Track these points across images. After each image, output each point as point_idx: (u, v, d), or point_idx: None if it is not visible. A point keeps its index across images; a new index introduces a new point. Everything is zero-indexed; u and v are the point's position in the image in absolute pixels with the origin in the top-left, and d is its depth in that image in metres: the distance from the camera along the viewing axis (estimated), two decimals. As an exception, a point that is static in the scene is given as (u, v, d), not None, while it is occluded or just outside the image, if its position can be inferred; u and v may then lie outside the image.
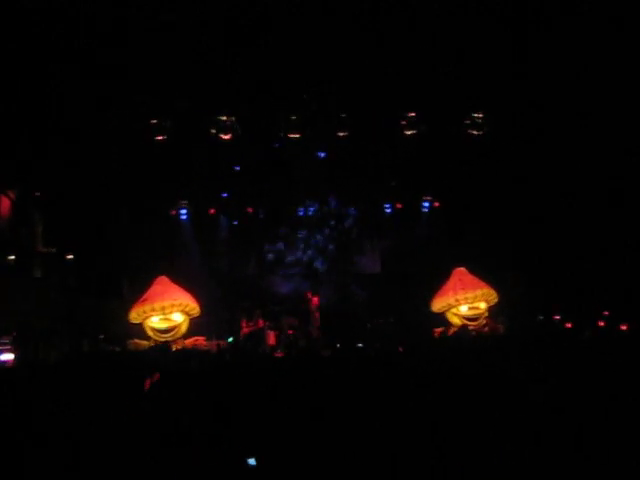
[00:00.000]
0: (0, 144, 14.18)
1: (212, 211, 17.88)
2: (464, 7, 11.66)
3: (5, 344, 12.62)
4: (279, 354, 13.60)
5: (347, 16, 12.03)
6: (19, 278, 15.01)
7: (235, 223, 18.17)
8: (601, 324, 13.33)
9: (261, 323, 15.58)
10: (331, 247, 18.47)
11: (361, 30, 12.40)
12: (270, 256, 18.29)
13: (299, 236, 18.43)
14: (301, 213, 18.50)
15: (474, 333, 14.43)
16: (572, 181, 15.24)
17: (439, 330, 15.20)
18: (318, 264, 18.38)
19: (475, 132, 15.05)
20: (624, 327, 12.09)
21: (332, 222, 18.61)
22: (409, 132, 15.13)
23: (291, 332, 15.83)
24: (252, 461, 4.11)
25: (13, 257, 15.35)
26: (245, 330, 15.42)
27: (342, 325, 15.62)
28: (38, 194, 16.33)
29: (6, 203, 15.68)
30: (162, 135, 14.56)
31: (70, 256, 16.11)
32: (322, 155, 16.92)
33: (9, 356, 12.20)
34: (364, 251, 18.47)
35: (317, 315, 15.88)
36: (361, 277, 18.28)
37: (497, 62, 12.95)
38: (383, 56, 13.02)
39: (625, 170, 14.37)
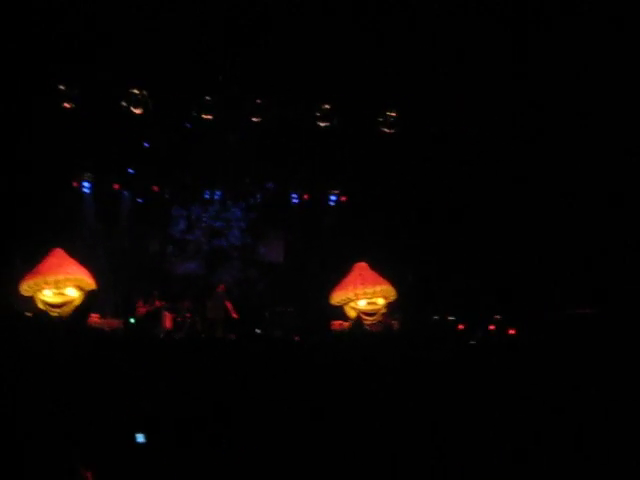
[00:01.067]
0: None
1: (116, 186, 17.42)
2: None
3: None
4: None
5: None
6: None
7: (140, 201, 17.77)
8: (492, 327, 13.83)
9: (158, 304, 15.34)
10: (235, 232, 18.40)
11: (282, 15, 12.40)
12: (173, 236, 18.04)
13: (203, 219, 18.26)
14: (207, 196, 18.36)
15: (367, 327, 14.72)
16: (480, 177, 15.76)
17: (337, 323, 15.41)
18: (220, 246, 18.27)
19: (387, 130, 15.32)
20: (512, 331, 12.60)
21: (238, 208, 18.53)
22: (323, 124, 15.22)
23: (189, 315, 15.67)
24: (140, 438, 4.07)
25: None
26: (141, 310, 15.13)
27: (240, 311, 15.59)
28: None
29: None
30: (70, 102, 14.03)
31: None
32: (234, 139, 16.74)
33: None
34: (268, 239, 18.50)
35: (229, 305, 15.66)
36: (263, 265, 18.31)
37: (408, 53, 13.16)
38: (303, 44, 13.04)
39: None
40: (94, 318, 14.22)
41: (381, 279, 15.73)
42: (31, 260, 14.39)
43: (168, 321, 15.37)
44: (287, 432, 4.75)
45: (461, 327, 15.01)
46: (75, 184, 17.01)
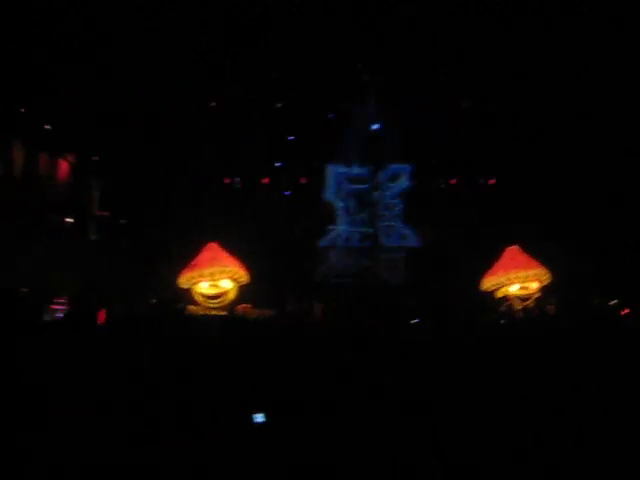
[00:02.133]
0: (60, 110, 14.57)
1: (266, 180, 17.89)
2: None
3: (60, 304, 13.03)
4: None
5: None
6: (76, 241, 15.50)
7: (287, 194, 18.14)
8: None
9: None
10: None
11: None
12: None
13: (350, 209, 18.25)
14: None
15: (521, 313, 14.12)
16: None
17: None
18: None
19: None
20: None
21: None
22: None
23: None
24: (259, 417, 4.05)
25: (71, 220, 15.83)
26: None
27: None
28: (96, 159, 16.71)
29: (65, 167, 16.11)
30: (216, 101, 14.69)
31: (124, 221, 16.48)
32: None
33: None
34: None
35: None
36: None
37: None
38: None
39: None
40: (247, 308, 14.70)
41: (534, 262, 15.12)
42: (188, 255, 15.21)
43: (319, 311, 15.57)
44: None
45: (626, 311, 14.04)
46: (227, 180, 17.69)
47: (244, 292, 15.15)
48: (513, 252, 15.48)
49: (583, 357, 6.18)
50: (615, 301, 14.58)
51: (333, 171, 18.03)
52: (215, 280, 14.73)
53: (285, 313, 14.27)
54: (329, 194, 18.11)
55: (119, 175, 16.43)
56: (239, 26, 13.72)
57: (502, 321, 13.70)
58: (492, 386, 5.13)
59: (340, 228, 18.18)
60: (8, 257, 12.99)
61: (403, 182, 18.16)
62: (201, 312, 14.66)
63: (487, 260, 15.65)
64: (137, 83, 14.79)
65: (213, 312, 14.64)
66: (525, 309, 14.35)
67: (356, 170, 18.05)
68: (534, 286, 15.01)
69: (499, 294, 15.22)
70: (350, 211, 18.24)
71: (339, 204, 18.19)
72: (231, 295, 15.00)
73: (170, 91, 14.70)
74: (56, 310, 12.78)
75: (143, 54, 14.17)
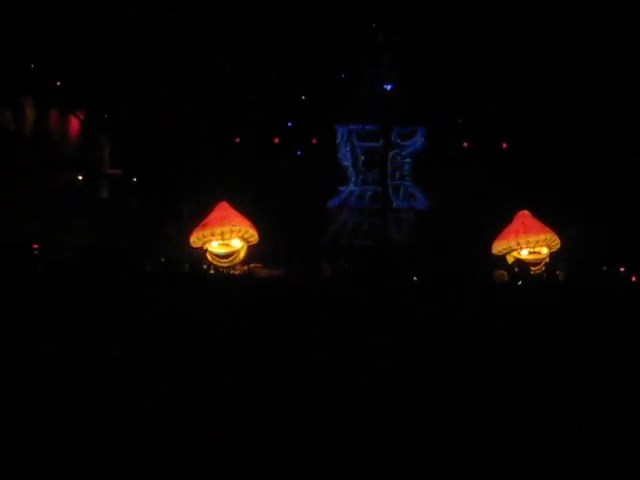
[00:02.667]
0: (70, 66, 14.49)
1: (276, 140, 17.77)
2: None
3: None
4: None
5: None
6: (86, 198, 15.53)
7: (299, 154, 18.03)
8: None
9: None
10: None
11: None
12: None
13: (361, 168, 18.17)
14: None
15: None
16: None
17: (500, 272, 14.94)
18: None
19: None
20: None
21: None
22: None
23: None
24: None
25: (81, 177, 15.84)
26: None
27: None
28: (106, 116, 16.65)
29: (75, 124, 16.07)
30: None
31: (134, 179, 16.49)
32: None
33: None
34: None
35: None
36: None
37: None
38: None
39: None
40: (257, 268, 14.80)
41: (545, 227, 15.10)
42: (198, 214, 15.25)
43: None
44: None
45: (634, 279, 14.06)
46: (237, 140, 17.57)
47: (254, 252, 15.25)
48: (524, 216, 15.43)
49: (592, 324, 6.21)
50: (623, 268, 14.64)
51: (345, 128, 17.94)
52: (225, 239, 14.78)
53: (294, 272, 14.39)
54: (341, 152, 18.04)
55: (130, 133, 16.37)
56: None
57: (519, 282, 13.84)
58: (502, 359, 5.16)
59: (350, 188, 18.15)
60: (20, 213, 13.07)
61: (416, 141, 18.07)
62: (211, 270, 14.82)
63: (497, 224, 15.64)
64: (148, 43, 14.74)
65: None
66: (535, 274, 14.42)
67: (368, 127, 17.96)
68: (544, 251, 15.00)
69: (509, 258, 15.23)
70: (360, 169, 18.18)
71: (350, 162, 18.14)
72: (242, 254, 15.08)
73: (183, 51, 14.58)
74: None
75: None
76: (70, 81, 15.23)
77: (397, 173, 18.13)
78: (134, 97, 15.72)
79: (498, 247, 15.41)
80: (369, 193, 18.18)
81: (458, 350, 5.25)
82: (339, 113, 17.34)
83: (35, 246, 13.05)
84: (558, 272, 14.63)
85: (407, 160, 18.15)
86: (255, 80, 16.06)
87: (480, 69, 16.07)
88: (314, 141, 17.83)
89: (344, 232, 17.85)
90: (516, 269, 14.78)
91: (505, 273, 14.94)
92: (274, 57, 15.95)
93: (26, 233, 12.90)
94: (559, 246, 15.02)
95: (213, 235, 14.70)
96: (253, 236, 15.06)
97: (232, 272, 14.83)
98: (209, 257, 14.98)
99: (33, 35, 13.77)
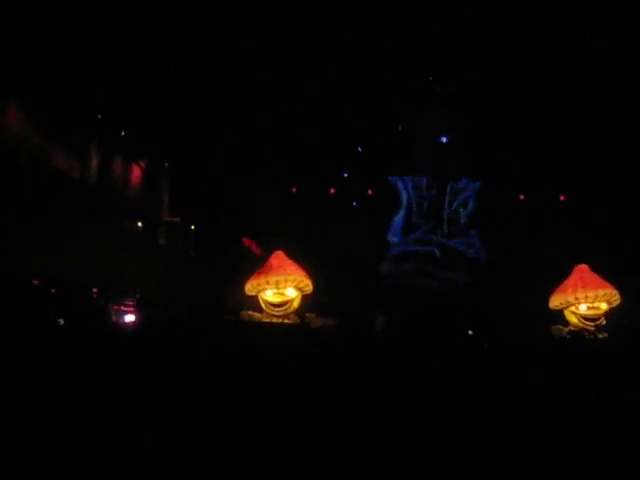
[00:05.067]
0: (133, 115, 14.98)
1: (333, 191, 17.87)
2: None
3: (129, 306, 13.36)
4: None
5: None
6: (146, 245, 15.85)
7: (354, 204, 18.10)
8: None
9: None
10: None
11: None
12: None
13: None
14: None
15: (591, 336, 13.79)
16: None
17: (557, 327, 14.65)
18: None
19: None
20: None
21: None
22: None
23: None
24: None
25: (141, 224, 16.19)
26: None
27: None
28: (167, 164, 17.08)
29: (137, 172, 16.51)
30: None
31: (192, 227, 16.78)
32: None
33: (132, 317, 12.87)
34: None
35: None
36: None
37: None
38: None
39: None
40: (311, 317, 14.78)
41: (604, 282, 14.78)
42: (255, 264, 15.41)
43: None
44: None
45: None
46: (294, 189, 17.77)
47: (308, 301, 15.27)
48: (582, 270, 15.16)
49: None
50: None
51: (400, 180, 18.05)
52: (280, 288, 14.85)
53: (348, 323, 14.33)
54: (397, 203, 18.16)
55: (189, 181, 16.76)
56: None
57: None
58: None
59: (401, 242, 18.16)
60: (83, 258, 13.37)
61: (469, 195, 18.10)
62: (265, 319, 14.85)
63: (555, 277, 15.39)
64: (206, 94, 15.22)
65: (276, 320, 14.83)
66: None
67: (423, 179, 18.05)
68: (603, 307, 14.67)
69: (567, 313, 14.93)
70: (414, 221, 18.20)
71: (403, 212, 18.20)
72: (295, 303, 15.11)
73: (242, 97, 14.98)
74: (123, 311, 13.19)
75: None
76: (133, 130, 15.70)
77: (453, 227, 18.12)
78: (194, 146, 16.09)
79: (555, 301, 15.13)
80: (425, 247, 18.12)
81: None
82: (395, 164, 17.46)
83: (95, 290, 13.34)
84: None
85: (461, 210, 18.12)
86: (312, 130, 16.30)
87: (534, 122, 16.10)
88: (370, 192, 17.94)
89: (401, 275, 17.72)
90: (568, 336, 14.42)
91: (563, 328, 14.67)
92: (330, 107, 16.19)
93: (85, 276, 13.16)
94: (619, 302, 14.68)
95: (268, 284, 14.79)
96: (308, 285, 15.10)
97: (285, 321, 14.82)
98: (263, 305, 15.03)
99: (100, 85, 14.28)
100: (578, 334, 14.01)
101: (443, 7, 13.51)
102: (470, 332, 14.52)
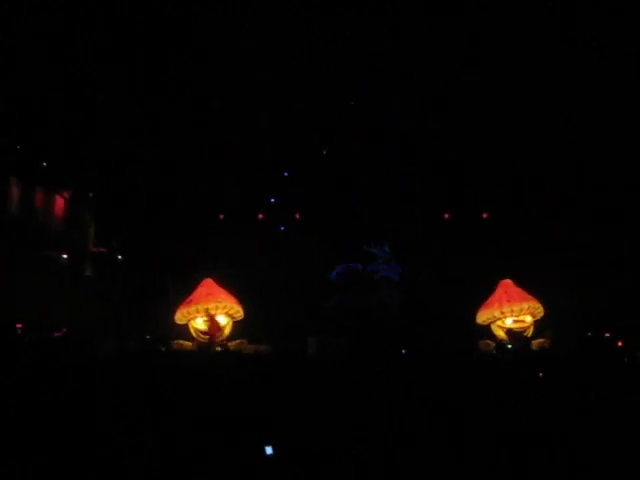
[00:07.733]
0: (56, 146, 14.71)
1: (260, 217, 17.74)
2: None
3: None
4: None
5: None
6: (71, 277, 15.49)
7: (281, 229, 17.99)
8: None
9: None
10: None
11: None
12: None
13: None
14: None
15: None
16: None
17: (485, 342, 14.94)
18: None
19: None
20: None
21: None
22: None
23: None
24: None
25: (65, 256, 15.82)
26: None
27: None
28: (91, 195, 16.79)
29: (60, 203, 16.17)
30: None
31: (120, 257, 16.51)
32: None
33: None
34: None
35: None
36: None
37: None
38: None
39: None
40: (242, 344, 14.70)
41: (527, 295, 15.20)
42: (183, 291, 15.24)
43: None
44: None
45: (620, 344, 14.08)
46: (221, 217, 17.61)
47: (239, 327, 15.18)
48: (507, 285, 15.57)
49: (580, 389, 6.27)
50: (608, 334, 14.68)
51: None
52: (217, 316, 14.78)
53: (280, 348, 14.31)
54: None
55: (114, 210, 16.51)
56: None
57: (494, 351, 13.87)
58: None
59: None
60: (2, 293, 13.00)
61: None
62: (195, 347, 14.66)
63: (481, 294, 15.73)
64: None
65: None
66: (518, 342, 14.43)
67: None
68: (528, 319, 15.08)
69: (494, 328, 15.28)
70: None
71: None
72: (226, 331, 15.01)
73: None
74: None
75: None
76: (55, 161, 15.39)
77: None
78: (118, 176, 15.90)
79: (482, 317, 15.46)
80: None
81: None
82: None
83: (18, 325, 12.93)
84: (544, 340, 14.64)
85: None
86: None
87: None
88: (297, 217, 17.88)
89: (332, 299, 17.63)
90: (506, 342, 14.75)
91: (490, 343, 14.98)
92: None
93: (8, 312, 12.78)
94: (542, 314, 15.11)
95: (198, 312, 14.68)
96: (239, 312, 15.06)
97: (217, 349, 14.68)
98: (193, 333, 14.88)
99: (20, 117, 13.98)
100: (503, 345, 14.40)
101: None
102: (403, 351, 14.72)
